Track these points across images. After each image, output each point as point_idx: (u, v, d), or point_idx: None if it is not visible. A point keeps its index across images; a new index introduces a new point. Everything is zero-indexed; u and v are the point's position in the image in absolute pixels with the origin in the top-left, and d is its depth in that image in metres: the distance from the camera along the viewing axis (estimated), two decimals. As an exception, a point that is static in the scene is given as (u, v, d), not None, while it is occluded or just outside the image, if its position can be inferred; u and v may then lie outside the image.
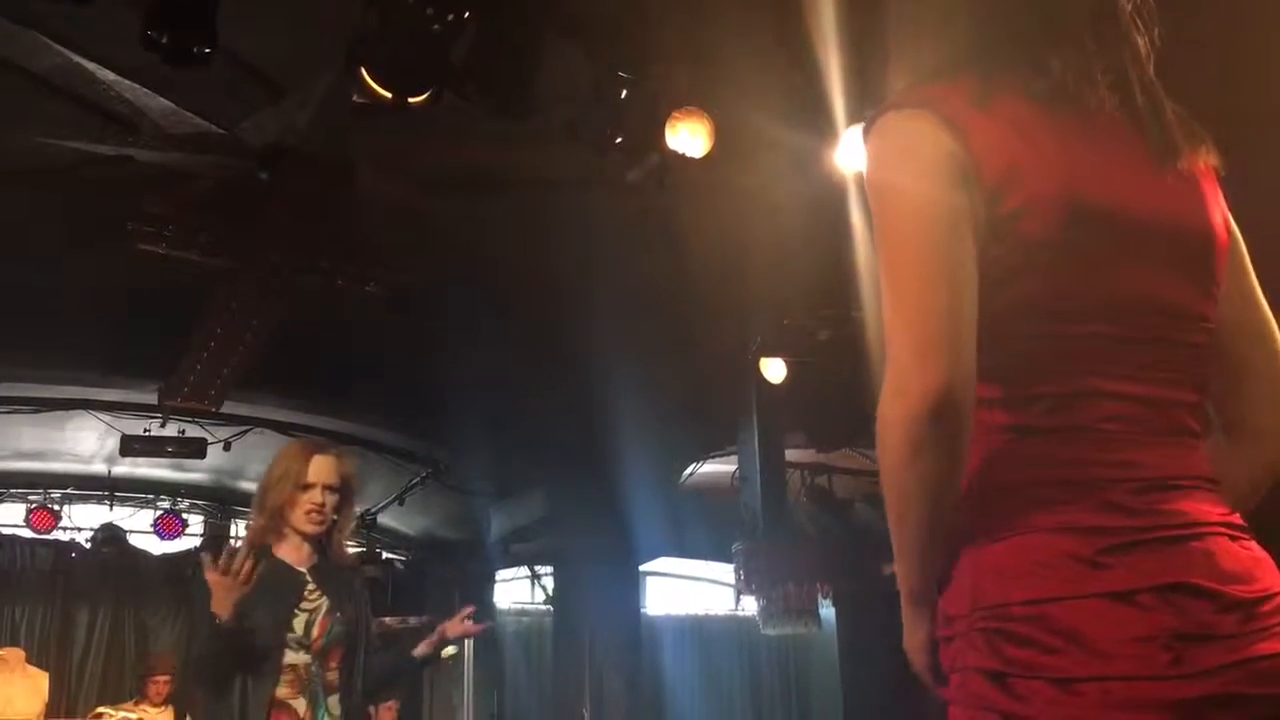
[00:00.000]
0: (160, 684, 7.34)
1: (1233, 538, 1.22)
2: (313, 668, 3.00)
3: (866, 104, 4.59)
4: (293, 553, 3.16)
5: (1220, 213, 1.34)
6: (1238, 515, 1.25)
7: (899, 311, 1.20)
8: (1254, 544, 1.24)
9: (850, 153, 4.79)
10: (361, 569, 3.35)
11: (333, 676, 3.05)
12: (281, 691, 2.94)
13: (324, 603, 3.09)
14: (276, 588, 3.01)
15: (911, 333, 1.18)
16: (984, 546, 1.21)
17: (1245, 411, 1.36)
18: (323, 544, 3.20)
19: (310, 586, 3.11)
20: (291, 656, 2.99)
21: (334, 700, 3.04)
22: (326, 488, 3.16)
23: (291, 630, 3.00)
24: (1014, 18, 1.30)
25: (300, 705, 2.96)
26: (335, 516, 3.19)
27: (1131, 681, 1.09)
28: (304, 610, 3.05)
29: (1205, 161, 1.34)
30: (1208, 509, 1.22)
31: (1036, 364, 1.22)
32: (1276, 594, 1.19)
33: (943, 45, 1.34)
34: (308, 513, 3.12)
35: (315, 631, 3.04)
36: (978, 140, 1.22)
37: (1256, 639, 1.14)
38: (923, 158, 1.23)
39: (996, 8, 1.31)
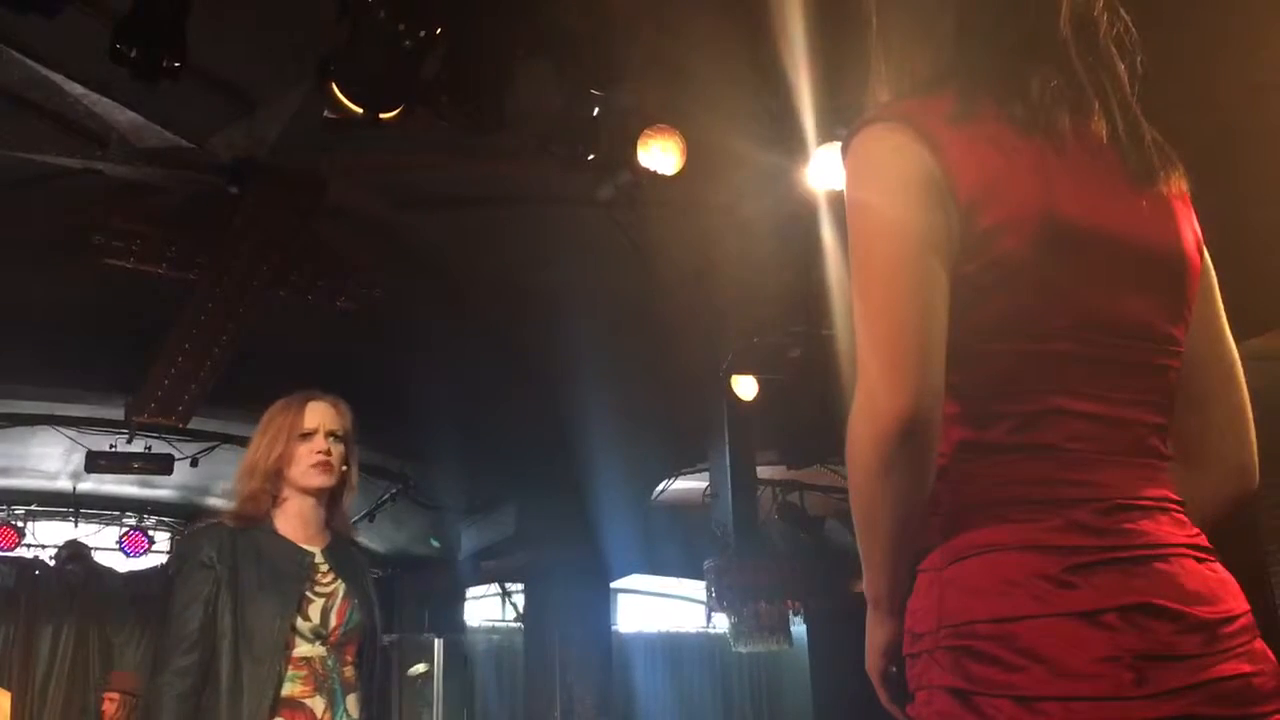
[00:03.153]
0: (111, 701, 7.17)
1: (1198, 559, 1.22)
2: (329, 661, 2.62)
3: (838, 123, 4.62)
4: (298, 528, 2.72)
5: (1193, 238, 1.35)
6: (1203, 537, 1.26)
7: (869, 327, 1.20)
8: (1219, 566, 1.24)
9: (821, 171, 4.82)
10: (360, 546, 2.91)
11: (349, 672, 2.67)
12: (295, 689, 2.55)
13: (340, 586, 2.69)
14: (281, 569, 2.62)
15: (881, 349, 1.18)
16: (950, 564, 1.22)
17: (1206, 443, 1.37)
18: (330, 514, 2.79)
19: (324, 568, 2.69)
20: (306, 649, 2.59)
21: (353, 699, 2.64)
22: (329, 434, 2.76)
23: (306, 618, 2.60)
24: (994, 37, 1.31)
25: (318, 705, 2.56)
26: (344, 468, 2.78)
27: (1095, 701, 1.10)
28: (319, 595, 2.65)
29: (1178, 186, 1.35)
30: (1172, 530, 1.22)
31: (1004, 382, 1.23)
32: (1239, 615, 1.20)
33: (924, 61, 1.35)
34: (314, 465, 2.71)
35: (334, 620, 2.64)
36: (953, 156, 1.22)
37: (1219, 660, 1.15)
38: (896, 173, 1.23)
39: (977, 28, 1.32)
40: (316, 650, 2.61)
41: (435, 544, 9.89)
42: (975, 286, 1.21)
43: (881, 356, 1.18)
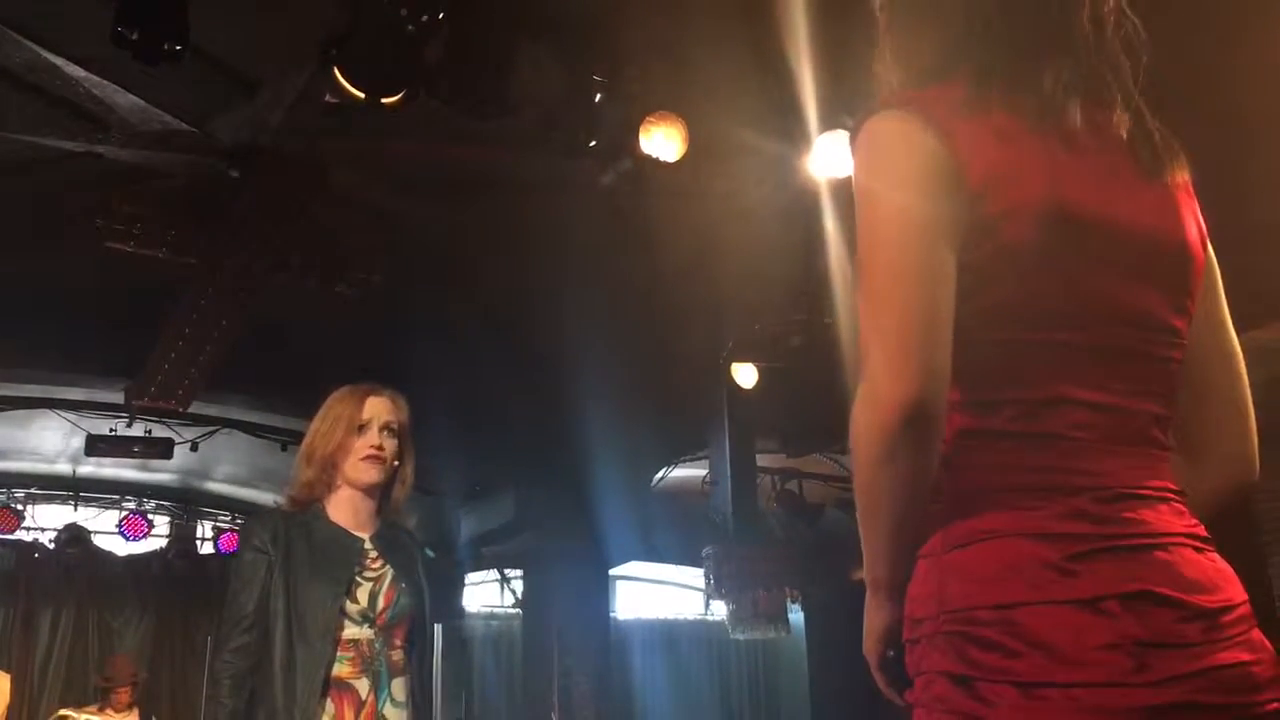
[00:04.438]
0: (123, 694, 7.26)
1: (1197, 549, 1.23)
2: (376, 644, 2.66)
3: (840, 111, 4.61)
4: (349, 516, 2.78)
5: (1197, 230, 1.35)
6: (1202, 527, 1.26)
7: (875, 313, 1.20)
8: (1217, 555, 1.25)
9: (823, 159, 4.81)
10: (416, 535, 2.97)
11: (397, 656, 2.70)
12: (343, 670, 2.60)
13: (388, 571, 2.74)
14: (332, 554, 2.68)
15: (887, 337, 1.18)
16: (951, 550, 1.22)
17: (1208, 434, 1.37)
18: (381, 504, 2.85)
19: (372, 554, 2.75)
20: (354, 631, 2.64)
21: (398, 684, 2.68)
22: (384, 428, 2.80)
23: (355, 601, 2.65)
24: (1008, 28, 1.31)
25: (363, 686, 2.61)
26: (396, 464, 2.84)
27: (1096, 688, 1.10)
28: (367, 579, 2.70)
29: (1183, 178, 1.35)
30: (1172, 520, 1.23)
31: (1008, 369, 1.23)
32: (1238, 604, 1.21)
33: (933, 49, 1.35)
34: (365, 458, 2.76)
35: (381, 603, 2.68)
36: (963, 145, 1.23)
37: (1219, 648, 1.16)
38: (905, 161, 1.23)
39: (990, 19, 1.32)
40: (364, 632, 2.66)
41: (430, 554, 9.88)
42: (981, 274, 1.21)
43: (887, 343, 1.18)
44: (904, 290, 1.19)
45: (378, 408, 2.83)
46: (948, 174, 1.22)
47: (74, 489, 10.43)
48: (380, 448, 2.79)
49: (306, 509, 2.77)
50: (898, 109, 1.27)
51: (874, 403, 1.18)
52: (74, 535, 10.22)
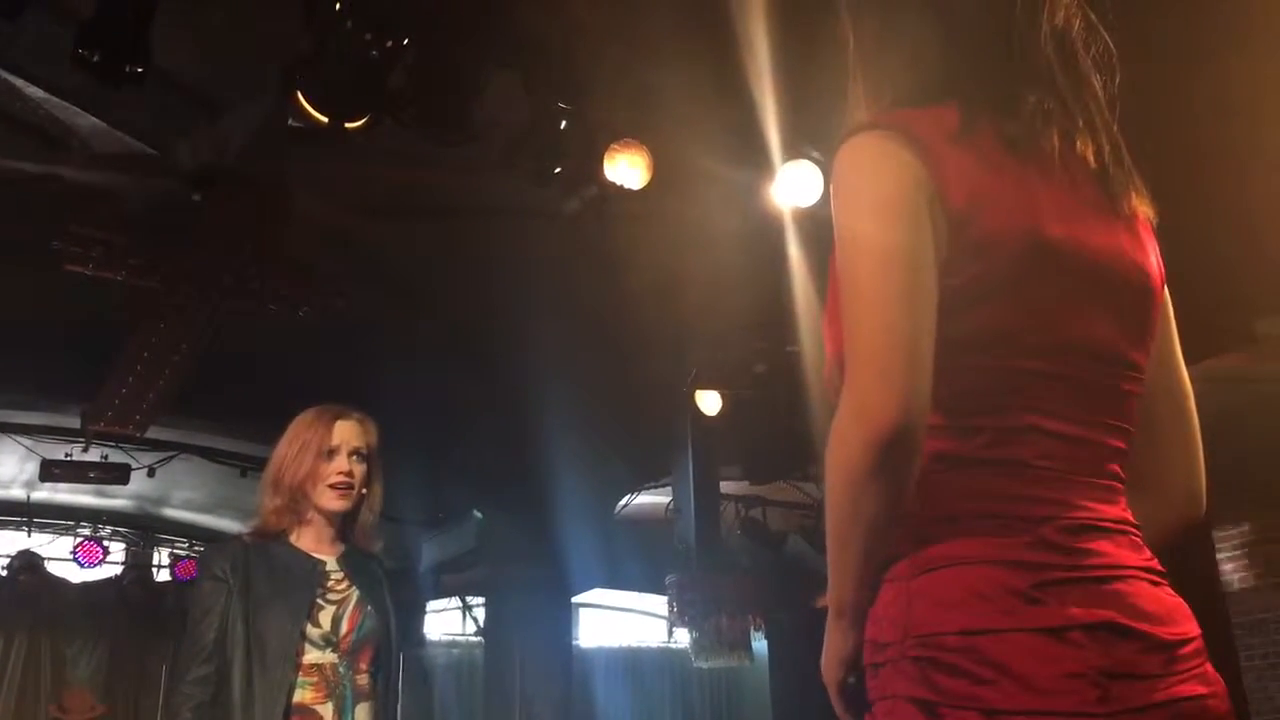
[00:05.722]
0: None
1: (1153, 583, 1.24)
2: (340, 668, 2.61)
3: (804, 141, 4.65)
4: (312, 541, 2.75)
5: (1157, 265, 1.36)
6: (1156, 561, 1.27)
7: (861, 334, 1.19)
8: (1170, 590, 1.26)
9: (787, 188, 4.85)
10: (383, 559, 2.92)
11: (363, 680, 2.65)
12: (305, 696, 2.55)
13: (354, 593, 2.70)
14: (292, 578, 2.64)
15: (875, 356, 1.17)
16: (919, 575, 1.21)
17: (1156, 471, 1.38)
18: (348, 529, 2.81)
19: (337, 575, 2.72)
20: (317, 655, 2.59)
21: (364, 709, 2.63)
22: (354, 453, 2.76)
23: (317, 625, 2.61)
24: (983, 59, 1.32)
25: (327, 712, 2.56)
26: (364, 490, 2.80)
27: (1061, 716, 1.10)
28: (330, 602, 2.66)
29: (1146, 213, 1.37)
30: (1130, 553, 1.24)
31: (979, 396, 1.23)
32: (1193, 638, 1.22)
33: (909, 80, 1.35)
34: (333, 485, 2.72)
35: (345, 627, 2.64)
36: (946, 168, 1.23)
37: (1178, 681, 1.17)
38: (891, 180, 1.23)
39: (966, 49, 1.32)
40: (327, 657, 2.62)
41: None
42: (957, 299, 1.21)
43: (875, 363, 1.17)
44: (889, 307, 1.18)
45: (347, 432, 2.79)
46: (930, 197, 1.21)
47: (28, 515, 10.27)
48: (349, 474, 2.75)
49: (272, 539, 2.72)
50: (883, 129, 1.27)
51: (861, 420, 1.16)
52: (27, 562, 10.07)
